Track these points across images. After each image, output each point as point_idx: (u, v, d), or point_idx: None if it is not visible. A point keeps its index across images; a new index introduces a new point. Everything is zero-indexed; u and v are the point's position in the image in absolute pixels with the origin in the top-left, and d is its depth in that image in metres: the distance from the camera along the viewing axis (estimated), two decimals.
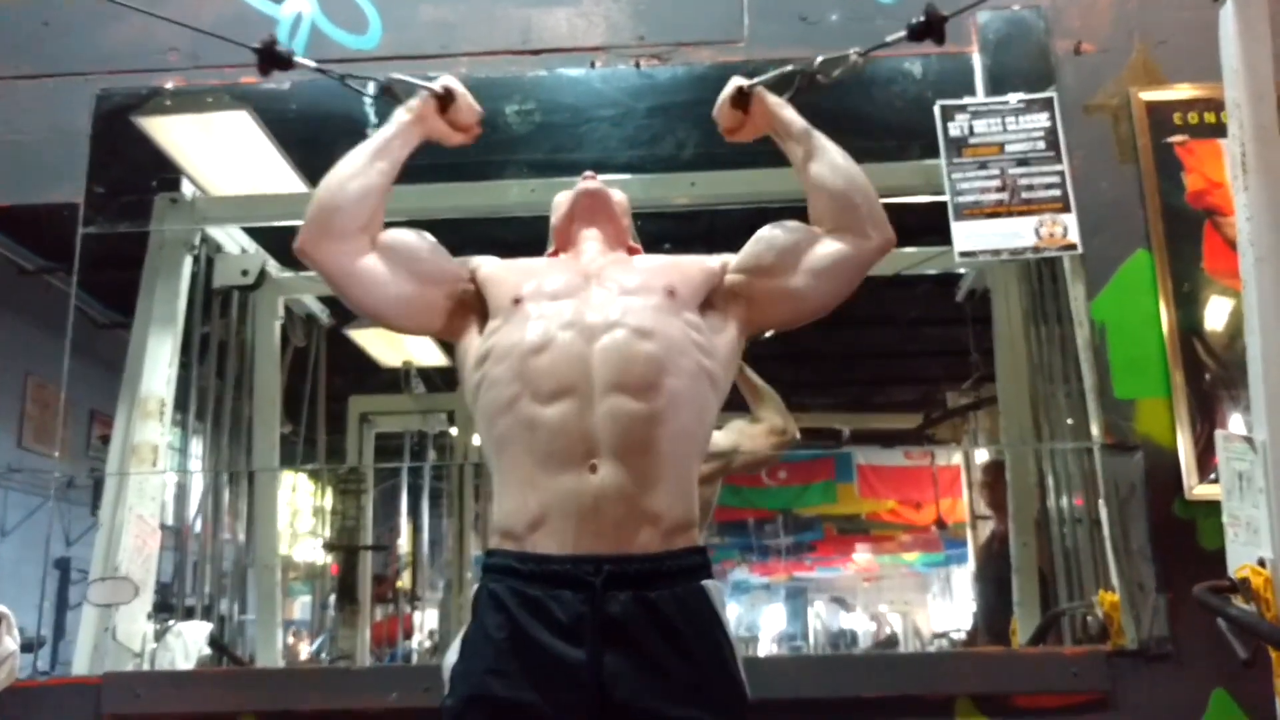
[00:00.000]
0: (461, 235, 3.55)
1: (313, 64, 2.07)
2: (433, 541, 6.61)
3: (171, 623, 3.05)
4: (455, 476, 5.46)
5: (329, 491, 5.59)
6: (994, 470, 4.87)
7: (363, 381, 5.51)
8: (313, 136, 3.42)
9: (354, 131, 2.12)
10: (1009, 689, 2.49)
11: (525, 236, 3.48)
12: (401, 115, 1.98)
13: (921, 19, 2.04)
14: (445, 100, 1.99)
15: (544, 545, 1.68)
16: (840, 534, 11.28)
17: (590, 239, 2.02)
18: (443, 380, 5.55)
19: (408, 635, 6.41)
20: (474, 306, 1.94)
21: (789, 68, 2.02)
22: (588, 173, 2.12)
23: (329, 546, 5.41)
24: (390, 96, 2.05)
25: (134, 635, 2.94)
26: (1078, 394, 3.08)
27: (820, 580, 13.72)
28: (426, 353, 5.36)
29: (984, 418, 5.76)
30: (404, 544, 6.56)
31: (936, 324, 5.35)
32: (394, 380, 5.42)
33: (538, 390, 1.73)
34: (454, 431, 5.78)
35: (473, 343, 1.89)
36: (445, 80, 2.00)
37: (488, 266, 1.96)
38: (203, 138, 3.54)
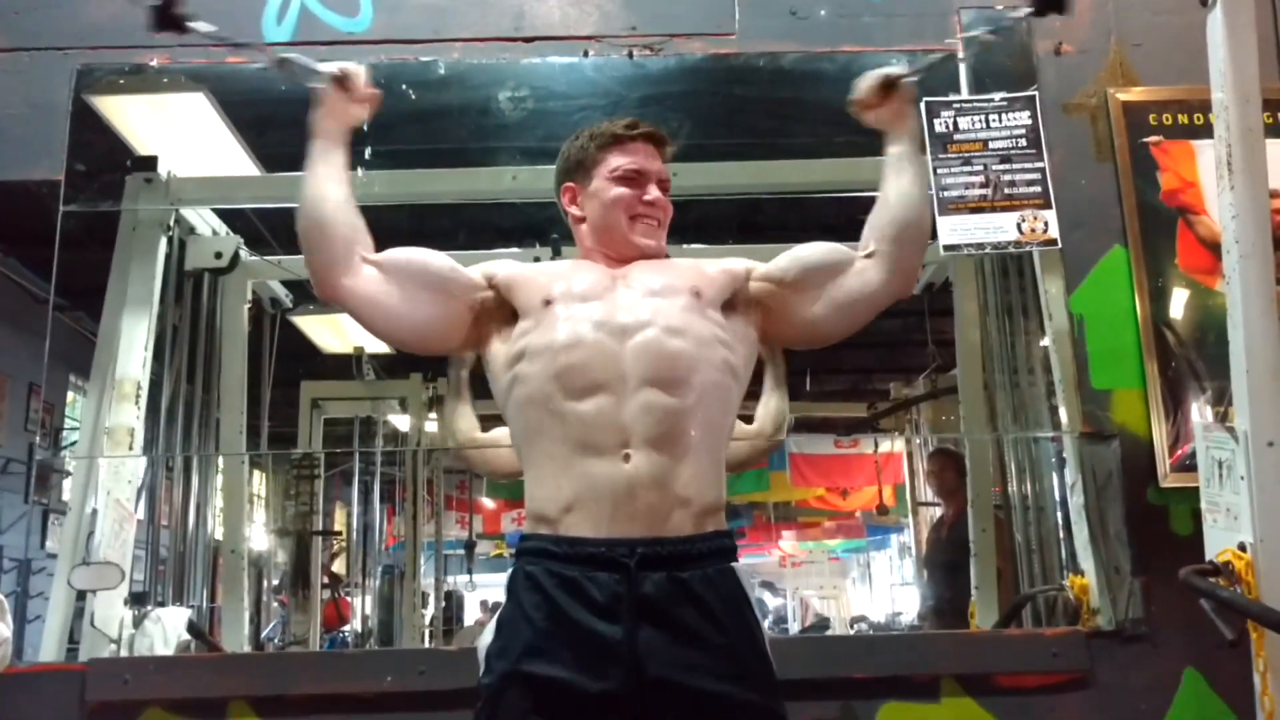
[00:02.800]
0: (454, 220, 3.58)
1: (209, 27, 1.99)
2: (369, 527, 6.59)
3: (149, 608, 3.00)
4: (409, 462, 5.43)
5: (279, 477, 5.53)
6: (941, 459, 4.99)
7: (306, 366, 5.45)
8: (267, 118, 3.38)
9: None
10: (992, 669, 2.57)
11: (517, 221, 3.51)
12: (318, 120, 1.93)
13: None
14: (342, 82, 1.92)
15: (578, 528, 1.72)
16: (769, 521, 11.45)
17: None
18: (385, 367, 5.54)
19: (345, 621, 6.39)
20: (495, 314, 1.94)
21: (935, 57, 2.04)
22: None
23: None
24: (287, 72, 1.96)
25: (111, 621, 2.89)
26: (1044, 384, 3.18)
27: (747, 566, 13.92)
28: (376, 340, 5.31)
29: (927, 408, 5.89)
30: (342, 529, 6.52)
31: (879, 315, 5.43)
32: (338, 366, 5.38)
33: (571, 386, 1.77)
34: (394, 419, 5.75)
35: (499, 348, 1.91)
36: (339, 64, 1.94)
37: (506, 270, 1.96)
38: (156, 118, 3.47)
